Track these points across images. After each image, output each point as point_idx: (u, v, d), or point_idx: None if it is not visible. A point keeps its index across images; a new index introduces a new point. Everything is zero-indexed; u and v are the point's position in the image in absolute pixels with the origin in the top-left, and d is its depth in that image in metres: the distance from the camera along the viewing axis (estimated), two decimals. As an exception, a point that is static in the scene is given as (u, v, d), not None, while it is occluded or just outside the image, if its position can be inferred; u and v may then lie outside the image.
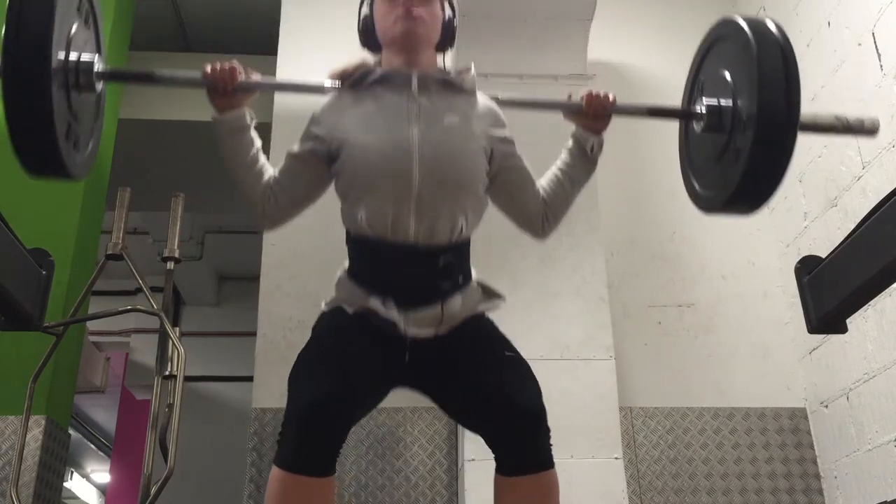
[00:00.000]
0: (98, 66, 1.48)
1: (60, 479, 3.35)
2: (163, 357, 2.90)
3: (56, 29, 1.30)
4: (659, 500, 3.25)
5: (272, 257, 3.49)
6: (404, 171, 1.53)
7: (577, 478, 2.83)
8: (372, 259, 1.57)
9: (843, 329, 1.59)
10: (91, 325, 6.16)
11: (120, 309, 2.97)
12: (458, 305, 1.57)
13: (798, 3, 3.58)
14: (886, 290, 1.81)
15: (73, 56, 1.40)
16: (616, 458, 2.95)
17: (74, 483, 11.28)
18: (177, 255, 3.05)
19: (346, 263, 1.64)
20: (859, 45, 3.12)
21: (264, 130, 4.08)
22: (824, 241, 3.24)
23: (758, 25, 1.49)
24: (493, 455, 1.52)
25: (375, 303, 1.52)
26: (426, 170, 1.54)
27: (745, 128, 1.46)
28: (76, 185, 3.45)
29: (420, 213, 1.53)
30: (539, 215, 1.72)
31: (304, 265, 3.42)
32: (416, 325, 1.53)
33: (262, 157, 1.65)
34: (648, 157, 3.80)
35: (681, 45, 4.09)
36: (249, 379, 3.36)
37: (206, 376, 7.00)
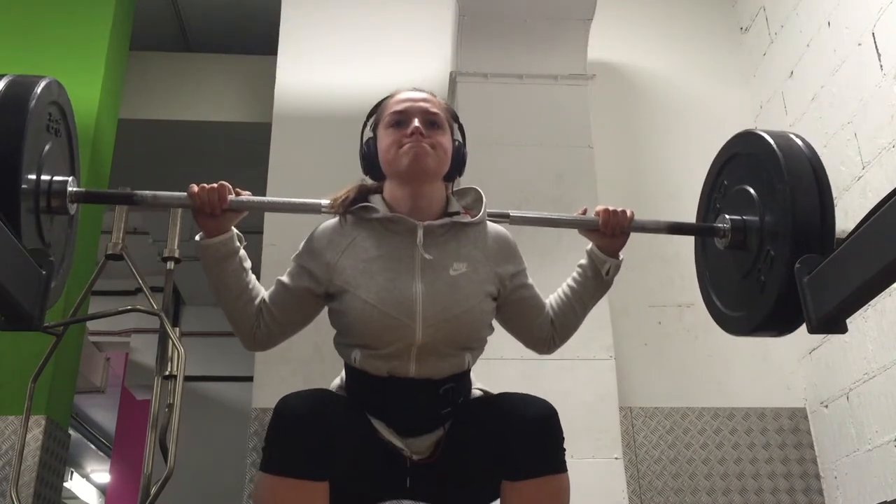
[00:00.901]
0: (71, 188, 1.40)
1: (60, 479, 3.35)
2: (163, 357, 2.90)
3: (26, 150, 1.22)
4: (659, 500, 3.25)
5: (272, 257, 3.49)
6: (406, 331, 1.44)
7: (577, 478, 2.81)
8: (368, 389, 1.50)
9: (843, 329, 1.58)
10: (91, 325, 6.17)
11: (120, 309, 2.97)
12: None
13: (798, 3, 3.58)
14: (886, 290, 1.81)
15: (44, 178, 1.32)
16: (616, 458, 2.95)
17: (74, 483, 11.28)
18: (177, 255, 3.05)
19: (343, 377, 1.57)
20: (859, 45, 3.12)
21: (264, 130, 4.11)
22: (824, 241, 3.24)
23: (784, 139, 1.45)
24: (504, 468, 1.40)
25: (378, 425, 1.46)
26: (429, 327, 1.45)
27: (773, 259, 1.40)
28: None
29: (421, 362, 1.46)
30: (547, 340, 1.66)
31: (304, 265, 3.41)
32: (419, 449, 1.47)
33: (252, 280, 1.55)
34: (648, 157, 3.80)
35: (681, 45, 4.11)
36: (249, 379, 3.36)
37: (206, 376, 6.99)
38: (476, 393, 1.58)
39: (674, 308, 3.57)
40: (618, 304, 3.45)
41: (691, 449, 3.34)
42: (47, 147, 1.34)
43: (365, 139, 1.60)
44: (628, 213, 1.60)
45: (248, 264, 1.55)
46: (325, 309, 1.59)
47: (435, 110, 1.54)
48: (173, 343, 2.82)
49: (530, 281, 1.63)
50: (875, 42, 3.02)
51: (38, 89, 1.28)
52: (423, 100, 1.55)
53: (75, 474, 11.27)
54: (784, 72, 3.68)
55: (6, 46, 3.67)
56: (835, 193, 3.22)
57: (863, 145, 3.06)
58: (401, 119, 1.52)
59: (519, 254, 1.62)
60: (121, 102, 4.13)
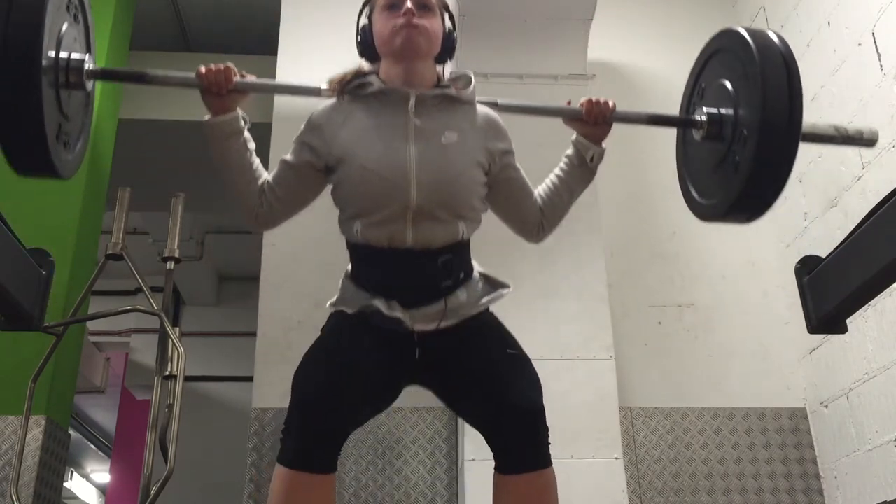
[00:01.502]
0: (88, 65, 1.47)
1: (60, 479, 3.35)
2: (163, 357, 2.90)
3: (46, 28, 1.29)
4: (659, 500, 3.25)
5: (272, 257, 3.49)
6: (401, 193, 1.52)
7: (577, 478, 2.83)
8: (371, 264, 1.58)
9: (843, 329, 1.59)
10: (91, 325, 6.17)
11: (120, 309, 2.97)
12: (462, 299, 1.57)
13: (798, 3, 3.58)
14: (886, 290, 1.81)
15: (63, 55, 1.39)
16: (616, 458, 2.95)
17: (74, 483, 11.28)
18: (177, 255, 3.05)
19: (349, 266, 1.64)
20: (859, 45, 3.12)
21: (264, 130, 4.11)
22: (824, 241, 3.24)
23: (761, 36, 1.50)
24: (493, 454, 1.53)
25: (379, 303, 1.53)
26: (423, 190, 1.53)
27: (746, 138, 1.47)
28: (76, 185, 3.45)
29: (417, 227, 1.54)
30: (535, 224, 1.73)
31: (304, 265, 3.42)
32: (421, 321, 1.54)
33: (256, 160, 1.63)
34: (648, 156, 3.80)
35: (681, 45, 4.11)
36: (249, 379, 3.36)
37: (206, 376, 7.00)
38: (478, 278, 1.63)
39: (674, 308, 3.57)
40: (618, 305, 3.45)
41: (691, 449, 3.34)
42: (65, 26, 1.40)
43: (360, 25, 1.69)
44: (610, 103, 1.69)
45: (251, 145, 1.62)
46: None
47: None
48: (173, 343, 2.82)
49: (518, 165, 1.71)
50: (875, 42, 3.02)
51: None
52: None
53: (75, 474, 11.28)
54: (784, 72, 3.68)
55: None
56: (835, 193, 3.23)
57: (863, 145, 3.06)
58: (394, 3, 1.60)
59: (508, 136, 1.69)
60: (121, 102, 4.13)
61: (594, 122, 1.68)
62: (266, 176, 1.64)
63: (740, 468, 3.32)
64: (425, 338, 1.55)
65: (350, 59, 1.71)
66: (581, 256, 3.21)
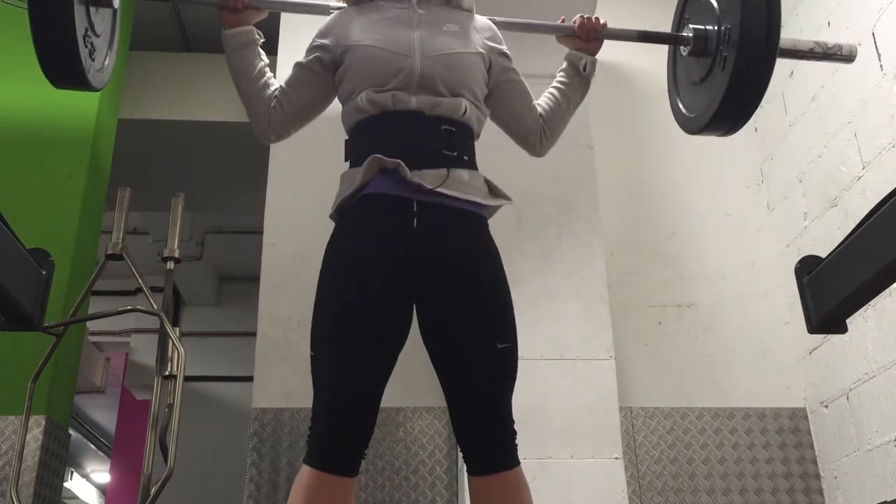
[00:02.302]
0: None
1: (60, 479, 3.35)
2: (163, 357, 2.90)
3: None
4: (659, 500, 3.25)
5: (272, 257, 3.49)
6: (406, 64, 1.61)
7: (577, 478, 2.83)
8: (374, 130, 1.62)
9: (843, 329, 1.59)
10: (91, 325, 6.17)
11: (120, 309, 2.97)
12: (464, 177, 1.60)
13: (798, 3, 3.58)
14: (886, 290, 1.81)
15: None
16: (616, 458, 2.95)
17: (74, 483, 11.28)
18: (177, 255, 3.05)
19: (348, 162, 1.68)
20: (859, 45, 3.12)
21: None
22: (824, 241, 3.24)
23: None
24: (463, 455, 1.55)
25: (379, 156, 1.55)
26: (427, 62, 1.62)
27: (727, 50, 1.57)
28: (76, 185, 3.45)
29: (420, 96, 1.60)
30: (536, 130, 1.80)
31: (304, 265, 3.42)
32: (422, 178, 1.55)
33: (269, 72, 1.74)
34: (648, 157, 3.80)
35: (681, 45, 4.11)
36: (249, 379, 3.36)
37: (206, 376, 7.00)
38: (481, 174, 1.65)
39: (674, 308, 3.57)
40: (618, 305, 3.45)
41: (691, 449, 3.34)
42: None
43: None
44: (602, 20, 1.81)
45: (264, 59, 1.74)
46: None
47: None
48: (173, 343, 2.82)
49: (519, 73, 1.79)
50: (875, 42, 3.02)
51: None
52: None
53: (75, 474, 11.28)
54: (784, 72, 3.68)
55: (6, 48, 3.67)
56: (835, 193, 3.23)
57: (863, 145, 3.06)
58: None
59: (505, 44, 1.79)
60: (121, 102, 4.13)
61: (586, 37, 1.79)
62: (278, 83, 1.74)
63: (740, 468, 3.32)
64: (424, 208, 1.55)
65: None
66: (581, 256, 3.20)
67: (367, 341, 1.49)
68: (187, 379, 2.91)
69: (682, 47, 1.76)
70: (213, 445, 6.50)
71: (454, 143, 1.60)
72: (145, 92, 4.77)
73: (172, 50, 5.05)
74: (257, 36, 1.73)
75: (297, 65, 1.75)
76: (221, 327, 7.31)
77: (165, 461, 2.60)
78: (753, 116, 4.23)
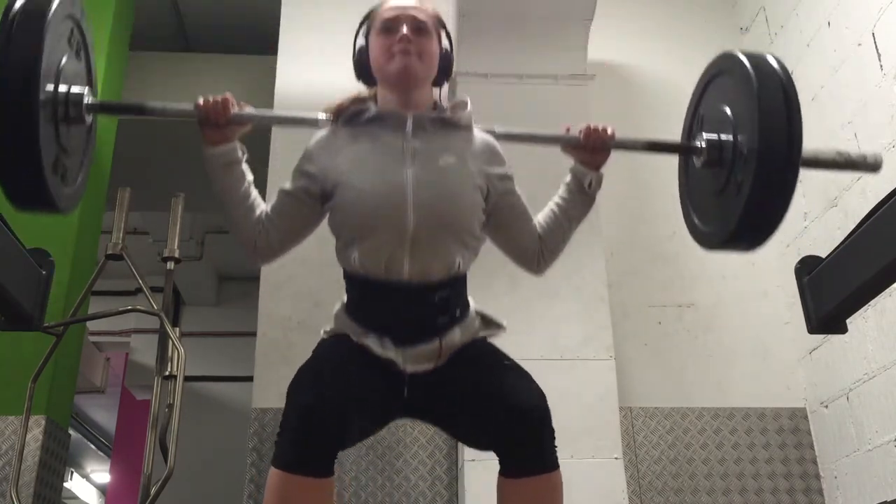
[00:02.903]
0: (88, 99, 1.46)
1: (60, 479, 3.35)
2: (163, 357, 2.90)
3: (45, 60, 1.29)
4: (659, 500, 3.25)
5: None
6: (398, 215, 1.50)
7: (577, 478, 2.83)
8: (367, 297, 1.56)
9: (843, 329, 1.59)
10: (91, 325, 6.17)
11: (120, 309, 2.97)
12: (456, 339, 1.55)
13: (798, 3, 3.58)
14: (886, 290, 1.81)
15: (62, 88, 1.38)
16: (616, 458, 2.95)
17: (74, 483, 11.28)
18: (177, 255, 3.05)
19: (344, 298, 1.62)
20: (859, 45, 3.12)
21: (264, 130, 4.09)
22: (824, 241, 3.24)
23: (759, 60, 1.49)
24: (498, 458, 1.50)
25: (372, 341, 1.51)
26: (421, 212, 1.50)
27: (745, 164, 1.44)
28: (76, 185, 3.45)
29: (414, 254, 1.51)
30: (535, 252, 1.70)
31: (304, 265, 3.42)
32: (415, 361, 1.52)
33: (254, 191, 1.62)
34: (648, 156, 3.80)
35: (681, 45, 4.11)
36: (249, 379, 3.36)
37: (206, 376, 6.99)
38: (473, 316, 1.61)
39: (674, 308, 3.57)
40: (618, 305, 3.45)
41: (691, 449, 3.34)
42: (65, 59, 1.40)
43: (357, 47, 1.66)
44: (609, 129, 1.64)
45: (250, 177, 1.62)
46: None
47: (423, 17, 1.60)
48: (173, 343, 2.82)
49: (519, 191, 1.68)
50: (875, 42, 3.02)
51: (57, 2, 1.35)
52: (412, 7, 1.61)
53: (75, 474, 11.27)
54: (784, 72, 3.68)
55: (6, 46, 3.67)
56: (835, 193, 3.23)
57: (863, 145, 3.07)
58: (390, 26, 1.59)
59: (507, 162, 1.67)
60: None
61: (593, 149, 1.64)
62: (265, 207, 1.63)
63: (740, 468, 3.32)
64: (416, 379, 1.52)
65: (349, 61, 1.71)
66: (581, 256, 3.20)
67: (348, 375, 1.47)
68: (187, 379, 2.91)
69: (694, 157, 1.63)
70: (213, 445, 6.49)
71: (447, 308, 1.55)
72: (145, 92, 4.76)
73: (172, 50, 5.05)
74: (241, 153, 1.59)
75: (284, 192, 1.62)
76: (221, 327, 7.30)
77: (165, 461, 2.60)
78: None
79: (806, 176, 3.76)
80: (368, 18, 1.65)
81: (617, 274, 3.50)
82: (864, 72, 3.09)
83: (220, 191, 1.59)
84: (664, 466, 3.30)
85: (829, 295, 1.53)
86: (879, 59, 2.99)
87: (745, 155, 1.45)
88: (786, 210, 1.43)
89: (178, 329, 2.93)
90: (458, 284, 1.58)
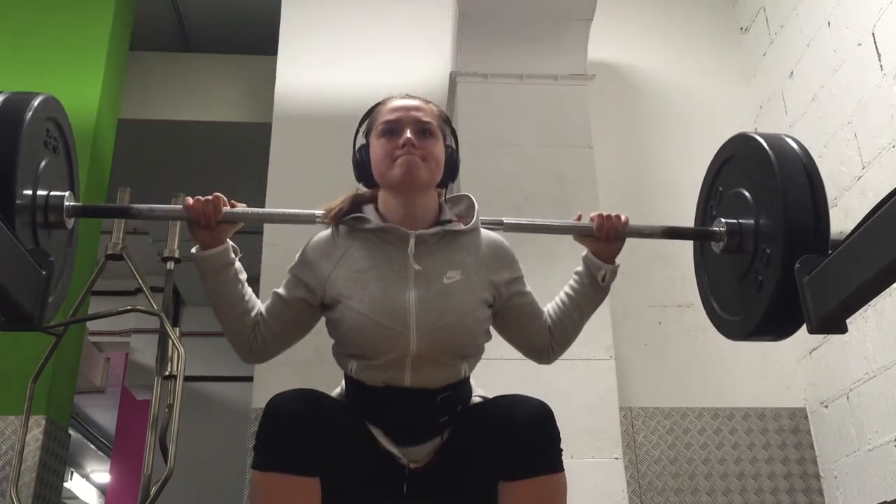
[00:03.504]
0: (69, 202, 1.42)
1: (60, 480, 3.35)
2: (163, 357, 2.90)
3: (21, 166, 1.24)
4: (659, 500, 3.25)
5: (272, 257, 3.49)
6: (400, 340, 1.44)
7: (577, 478, 2.81)
8: (366, 400, 1.50)
9: (843, 329, 1.58)
10: (91, 325, 6.17)
11: (120, 309, 2.97)
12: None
13: (798, 3, 3.58)
14: (886, 290, 1.81)
15: (41, 193, 1.34)
16: (616, 458, 2.95)
17: (74, 483, 11.27)
18: (177, 255, 3.05)
19: (343, 385, 1.58)
20: (859, 45, 3.12)
21: (264, 130, 4.10)
22: (824, 241, 3.24)
23: (778, 144, 1.44)
24: (498, 466, 1.41)
25: (375, 432, 1.46)
26: (424, 336, 1.44)
27: (770, 256, 1.39)
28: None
29: (416, 372, 1.46)
30: (545, 348, 1.65)
31: (304, 265, 3.41)
32: (416, 458, 1.47)
33: (248, 291, 1.56)
34: (648, 157, 3.80)
35: (681, 45, 4.11)
36: (249, 379, 3.36)
37: (206, 376, 6.99)
38: (476, 400, 1.57)
39: (674, 308, 3.57)
40: (618, 305, 3.44)
41: (691, 449, 3.34)
42: (44, 162, 1.35)
43: (357, 146, 1.59)
44: (623, 217, 1.60)
45: (243, 276, 1.56)
46: (323, 319, 1.59)
47: (427, 119, 1.53)
48: (173, 343, 2.82)
49: (528, 289, 1.62)
50: (875, 42, 3.02)
51: (35, 105, 1.30)
52: (416, 108, 1.54)
53: (75, 474, 11.27)
54: (784, 72, 3.68)
55: (6, 47, 3.67)
56: (835, 193, 3.23)
57: (863, 145, 3.06)
58: (393, 129, 1.52)
59: (515, 261, 1.62)
60: (121, 102, 4.13)
61: (606, 238, 1.60)
62: (259, 307, 1.57)
63: (740, 468, 3.32)
64: (418, 473, 1.46)
65: (349, 61, 1.70)
66: (581, 257, 3.20)
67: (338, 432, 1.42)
68: (187, 379, 2.91)
69: (713, 243, 1.57)
70: (213, 445, 6.49)
71: (450, 407, 1.49)
72: (145, 92, 4.76)
73: (172, 50, 5.04)
74: (233, 255, 1.54)
75: (279, 297, 1.56)
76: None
77: (165, 461, 2.60)
78: (754, 117, 4.25)
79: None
80: (369, 117, 1.59)
81: (617, 274, 3.49)
82: (864, 72, 3.08)
83: (212, 293, 1.53)
84: (664, 466, 3.30)
85: (829, 295, 1.53)
86: (879, 59, 2.99)
87: (768, 245, 1.40)
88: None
89: (178, 329, 2.93)
90: (461, 386, 1.52)
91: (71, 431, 3.82)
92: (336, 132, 3.86)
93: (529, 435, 1.38)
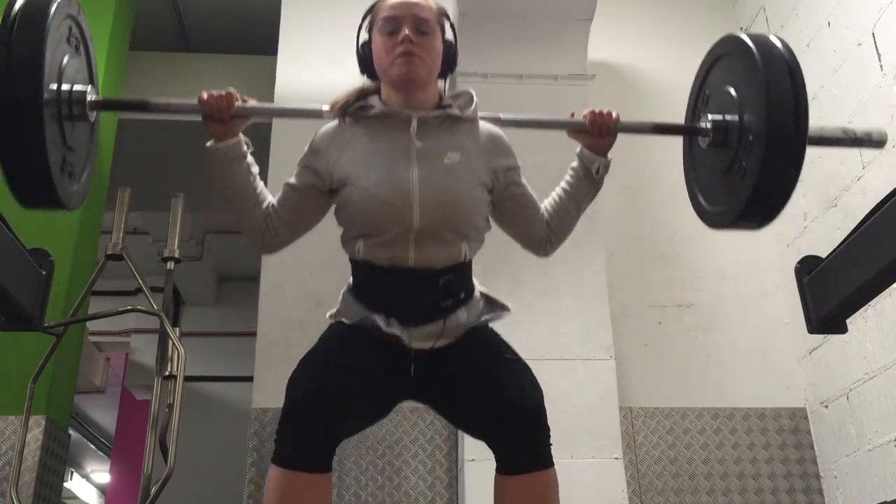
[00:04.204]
0: (91, 96, 1.48)
1: (60, 480, 3.35)
2: (163, 357, 2.90)
3: (47, 61, 1.31)
4: (659, 501, 3.25)
5: (272, 257, 3.48)
6: (404, 215, 1.52)
7: (577, 478, 2.83)
8: (372, 282, 1.58)
9: (843, 329, 1.59)
10: (91, 325, 6.17)
11: (120, 309, 2.97)
12: (461, 319, 1.57)
13: (798, 3, 3.58)
14: (886, 290, 1.81)
15: (65, 87, 1.40)
16: (616, 459, 2.95)
17: (74, 483, 11.28)
18: (177, 255, 3.05)
19: (350, 281, 1.64)
20: (859, 45, 3.12)
21: (264, 130, 4.09)
22: (824, 241, 3.24)
23: (763, 42, 1.49)
24: (494, 454, 1.52)
25: (378, 319, 1.53)
26: (426, 212, 1.52)
27: (752, 144, 1.46)
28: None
29: (419, 248, 1.53)
30: (542, 239, 1.72)
31: (304, 265, 3.42)
32: (419, 339, 1.54)
33: (260, 184, 1.63)
34: (649, 156, 3.80)
35: (681, 45, 4.11)
36: (249, 379, 3.36)
37: (206, 376, 6.99)
38: (477, 296, 1.63)
39: (674, 308, 3.57)
40: (618, 305, 3.45)
41: (691, 449, 3.34)
42: (66, 58, 1.42)
43: (361, 42, 1.66)
44: (614, 114, 1.69)
45: (255, 169, 1.63)
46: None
47: (425, 15, 1.59)
48: (173, 343, 2.82)
49: (524, 181, 1.70)
50: (875, 42, 3.02)
51: (58, 1, 1.36)
52: (414, 4, 1.59)
53: (75, 474, 11.28)
54: (784, 72, 3.68)
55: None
56: (835, 193, 3.23)
57: (863, 145, 3.06)
58: (392, 27, 1.58)
59: (513, 153, 1.69)
60: (121, 102, 4.13)
61: (598, 133, 1.68)
62: (271, 199, 1.64)
63: (740, 468, 3.32)
64: (421, 356, 1.55)
65: (349, 61, 1.71)
66: (581, 256, 3.20)
67: (349, 367, 1.49)
68: (187, 379, 2.91)
69: (700, 138, 1.65)
70: (213, 445, 6.49)
71: (452, 291, 1.57)
72: (145, 92, 4.76)
73: (172, 50, 5.05)
74: (245, 147, 1.60)
75: (290, 186, 1.63)
76: (221, 327, 7.30)
77: (165, 461, 2.60)
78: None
79: (806, 176, 3.76)
80: (371, 13, 1.65)
81: (617, 274, 3.50)
82: (864, 72, 3.08)
83: (225, 185, 1.60)
84: (664, 466, 3.30)
85: (829, 295, 1.53)
86: (879, 59, 2.99)
87: (751, 135, 1.47)
88: (793, 189, 1.46)
89: (178, 329, 2.93)
90: (462, 270, 1.60)
91: (71, 431, 3.82)
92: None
93: (524, 434, 1.48)
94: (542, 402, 1.52)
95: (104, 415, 9.68)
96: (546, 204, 1.74)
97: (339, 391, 1.44)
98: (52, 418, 3.16)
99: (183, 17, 4.88)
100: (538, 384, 1.55)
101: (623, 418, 3.27)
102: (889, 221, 1.34)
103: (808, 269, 1.61)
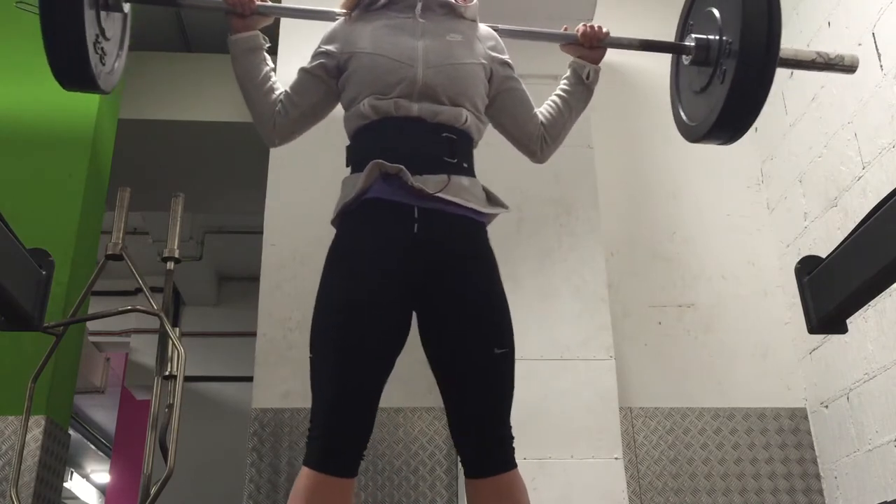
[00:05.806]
0: None
1: (60, 480, 3.35)
2: (163, 357, 2.90)
3: None
4: (659, 501, 3.25)
5: (272, 257, 3.49)
6: (409, 73, 1.63)
7: (577, 478, 2.83)
8: (376, 136, 1.64)
9: (843, 329, 1.59)
10: (91, 325, 6.18)
11: (120, 309, 2.97)
12: (464, 183, 1.62)
13: (798, 3, 3.58)
14: (886, 290, 1.81)
15: None
16: (616, 459, 2.95)
17: (74, 483, 11.28)
18: (177, 255, 3.05)
19: (349, 170, 1.70)
20: (859, 45, 3.12)
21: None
22: (824, 241, 3.24)
23: None
24: (459, 457, 1.57)
25: (381, 161, 1.57)
26: (430, 72, 1.64)
27: (728, 58, 1.60)
28: (76, 185, 3.45)
29: (423, 101, 1.62)
30: (538, 137, 1.82)
31: (304, 265, 3.42)
32: (423, 184, 1.57)
33: (274, 76, 1.77)
34: (649, 157, 3.80)
35: (681, 45, 4.11)
36: (249, 379, 3.36)
37: (206, 376, 7.00)
38: (479, 182, 1.68)
39: (674, 308, 3.57)
40: (618, 305, 3.45)
41: (691, 449, 3.34)
42: None
43: None
44: (604, 29, 1.84)
45: (270, 64, 1.79)
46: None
47: None
48: (173, 343, 2.83)
49: (520, 79, 1.82)
50: (875, 42, 3.02)
51: None
52: None
53: (75, 474, 11.28)
54: (784, 72, 3.67)
55: (8, 48, 3.67)
56: (835, 193, 3.23)
57: (863, 145, 3.06)
58: None
59: (507, 53, 1.82)
60: (121, 102, 4.13)
61: (589, 45, 1.83)
62: (283, 88, 1.78)
63: (740, 468, 3.32)
64: (424, 214, 1.57)
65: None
66: (581, 256, 3.20)
67: (366, 343, 1.50)
68: (187, 379, 2.91)
69: (683, 56, 1.78)
70: (213, 445, 6.50)
71: (455, 151, 1.63)
72: (145, 92, 4.76)
73: (172, 50, 5.04)
74: (263, 41, 1.77)
75: (302, 70, 1.77)
76: (221, 327, 7.30)
77: (165, 461, 2.60)
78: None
79: (806, 176, 3.76)
80: None
81: (617, 274, 3.50)
82: (864, 72, 3.08)
83: (241, 74, 1.75)
84: (664, 466, 3.30)
85: (829, 295, 1.53)
86: (879, 59, 2.99)
87: (728, 52, 1.61)
88: (761, 104, 1.59)
89: (178, 329, 2.93)
90: (464, 138, 1.67)
91: (71, 431, 3.82)
92: (336, 131, 3.87)
93: (486, 444, 1.53)
94: (508, 417, 1.55)
95: (104, 415, 9.68)
96: (541, 110, 1.85)
97: (365, 378, 1.48)
98: (52, 418, 3.16)
99: (183, 17, 4.88)
100: (512, 389, 1.58)
101: (623, 418, 3.26)
102: (889, 221, 1.34)
103: (808, 269, 1.62)
